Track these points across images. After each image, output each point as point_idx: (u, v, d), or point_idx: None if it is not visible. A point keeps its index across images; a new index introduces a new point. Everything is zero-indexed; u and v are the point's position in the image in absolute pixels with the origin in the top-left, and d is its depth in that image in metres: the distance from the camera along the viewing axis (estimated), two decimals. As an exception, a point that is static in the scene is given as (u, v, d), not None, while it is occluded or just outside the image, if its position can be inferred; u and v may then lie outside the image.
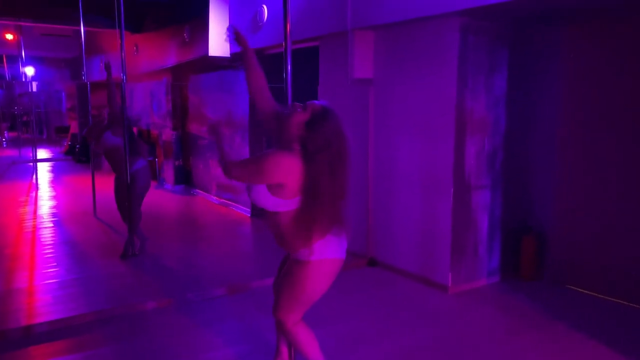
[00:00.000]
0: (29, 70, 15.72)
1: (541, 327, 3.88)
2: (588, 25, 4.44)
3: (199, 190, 9.40)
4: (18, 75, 14.13)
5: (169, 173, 10.04)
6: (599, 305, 4.28)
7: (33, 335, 3.73)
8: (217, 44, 7.02)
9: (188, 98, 9.65)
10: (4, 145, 19.51)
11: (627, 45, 4.21)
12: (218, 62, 7.75)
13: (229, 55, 7.12)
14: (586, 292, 4.54)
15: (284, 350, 2.95)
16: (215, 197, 8.73)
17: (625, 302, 4.28)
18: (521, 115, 4.83)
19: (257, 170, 2.43)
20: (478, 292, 4.58)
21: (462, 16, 4.26)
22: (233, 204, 8.11)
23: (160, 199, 9.11)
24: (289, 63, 2.71)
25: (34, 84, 13.04)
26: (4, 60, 15.91)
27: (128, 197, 5.37)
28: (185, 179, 9.86)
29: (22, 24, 10.91)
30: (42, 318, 3.94)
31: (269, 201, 2.49)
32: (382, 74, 5.10)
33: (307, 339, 2.72)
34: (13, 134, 21.50)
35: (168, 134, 9.99)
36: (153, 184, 10.51)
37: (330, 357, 3.40)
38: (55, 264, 5.29)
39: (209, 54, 7.01)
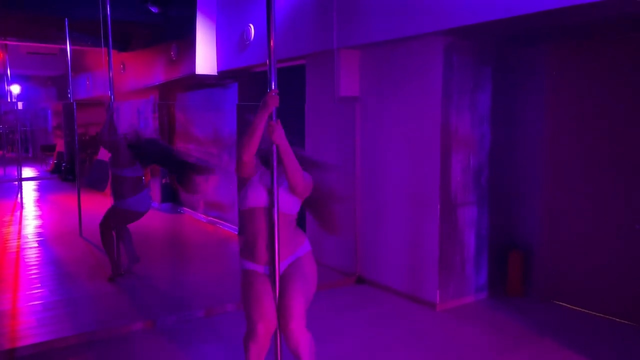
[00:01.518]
0: (15, 89, 15.60)
1: (529, 343, 3.88)
2: (568, 44, 4.52)
3: (186, 209, 9.34)
4: (4, 94, 14.04)
5: (155, 191, 9.97)
6: (586, 321, 4.30)
7: (16, 359, 3.66)
8: (204, 62, 7.04)
9: (175, 116, 9.64)
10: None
11: (607, 63, 4.29)
12: (205, 80, 7.76)
13: (216, 74, 7.14)
14: (573, 307, 4.56)
15: None
16: (202, 215, 8.68)
17: (611, 317, 4.30)
18: (506, 132, 4.88)
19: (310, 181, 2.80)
20: (466, 309, 4.58)
21: (445, 36, 4.32)
22: (220, 222, 8.07)
23: (147, 217, 8.99)
24: (273, 79, 2.70)
25: (20, 103, 12.95)
26: (-10, 78, 15.82)
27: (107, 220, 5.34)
28: (172, 197, 9.80)
29: (8, 42, 10.86)
30: (25, 341, 3.88)
31: (296, 204, 2.78)
32: (368, 92, 5.14)
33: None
34: (-2, 153, 21.28)
35: (155, 152, 9.93)
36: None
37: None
38: (39, 285, 5.21)
39: (196, 72, 7.01)
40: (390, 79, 4.88)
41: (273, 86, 2.70)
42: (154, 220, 8.88)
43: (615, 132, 4.27)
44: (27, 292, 4.99)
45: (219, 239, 7.37)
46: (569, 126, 4.58)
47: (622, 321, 4.22)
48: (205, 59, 7.01)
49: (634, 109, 4.15)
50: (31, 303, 4.69)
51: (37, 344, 3.81)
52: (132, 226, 5.64)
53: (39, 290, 5.03)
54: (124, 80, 10.22)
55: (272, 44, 2.74)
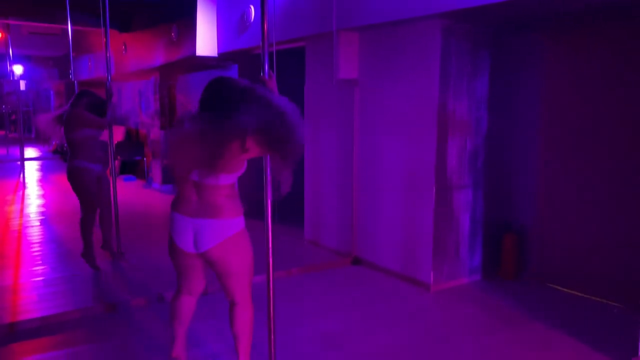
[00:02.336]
0: (17, 69, 15.61)
1: (520, 324, 3.96)
2: (566, 30, 4.53)
3: (187, 190, 9.40)
4: (6, 74, 14.06)
5: (156, 172, 10.05)
6: (577, 303, 4.37)
7: (17, 332, 3.76)
8: (205, 43, 7.05)
9: (176, 97, 9.66)
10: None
11: (605, 50, 4.30)
12: (206, 62, 7.77)
13: (217, 55, 7.15)
14: (565, 290, 4.63)
15: None
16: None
17: (602, 300, 4.37)
18: (503, 116, 4.91)
19: None
20: (459, 290, 4.66)
21: (443, 19, 4.34)
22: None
23: (147, 198, 9.12)
24: (266, 63, 2.77)
25: (22, 83, 12.97)
26: (-8, 58, 15.81)
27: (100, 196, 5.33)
28: (173, 178, 9.85)
29: (10, 22, 10.86)
30: (26, 315, 3.97)
31: None
32: (366, 74, 5.16)
33: None
34: (1, 133, 21.37)
35: (156, 133, 10.00)
36: (141, 182, 10.55)
37: (314, 354, 3.47)
38: (41, 262, 5.30)
39: (197, 54, 7.02)
40: (389, 61, 4.90)
41: (267, 69, 2.79)
42: (154, 200, 8.98)
43: (612, 118, 4.30)
44: (29, 269, 5.08)
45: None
46: (565, 111, 4.61)
47: (614, 304, 4.29)
48: (206, 40, 7.01)
49: (630, 94, 4.17)
50: (33, 279, 4.78)
51: (37, 318, 3.90)
52: (133, 205, 5.70)
53: (40, 267, 5.12)
54: (126, 61, 10.23)
55: (265, 28, 2.81)
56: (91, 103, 5.08)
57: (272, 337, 2.96)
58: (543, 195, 4.80)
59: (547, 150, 4.75)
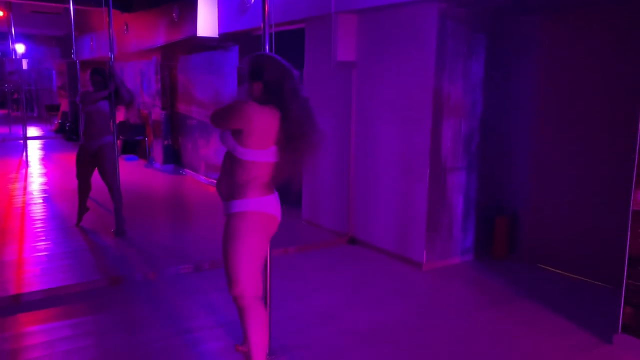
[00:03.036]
0: (20, 48, 15.62)
1: (509, 302, 4.08)
2: (564, 15, 4.58)
3: (187, 170, 9.52)
4: (8, 53, 14.08)
5: (158, 152, 10.14)
6: (566, 283, 4.49)
7: (22, 303, 3.88)
8: (206, 24, 7.09)
9: (177, 78, 9.72)
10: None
11: (601, 35, 4.36)
12: (206, 43, 7.82)
13: (217, 36, 7.20)
14: (555, 270, 4.75)
15: None
16: (203, 177, 8.86)
17: (591, 280, 4.48)
18: (498, 100, 4.98)
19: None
20: (451, 270, 4.77)
21: (440, 2, 4.39)
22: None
23: (149, 177, 9.23)
24: (266, 44, 2.84)
25: (25, 62, 13.00)
26: (-6, 37, 15.80)
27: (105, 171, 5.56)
28: (174, 158, 9.97)
29: (12, 0, 10.86)
30: (30, 288, 4.10)
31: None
32: (364, 57, 5.22)
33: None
34: (3, 112, 21.41)
35: (157, 114, 10.07)
36: (142, 162, 10.65)
37: (309, 329, 3.59)
38: (44, 237, 5.42)
39: (197, 34, 7.07)
40: (386, 44, 4.96)
41: (267, 50, 2.85)
42: (155, 180, 9.09)
43: (608, 103, 4.36)
44: (33, 244, 5.20)
45: (219, 199, 7.53)
46: (560, 96, 4.67)
47: (602, 284, 4.40)
48: (207, 21, 7.05)
49: (626, 80, 4.23)
50: (36, 254, 4.91)
51: (41, 290, 4.03)
52: (134, 185, 5.81)
53: (43, 243, 5.24)
54: (127, 41, 10.27)
55: (266, 9, 2.88)
56: (103, 80, 5.52)
57: (269, 312, 3.07)
58: (536, 179, 4.89)
59: (541, 134, 4.83)
